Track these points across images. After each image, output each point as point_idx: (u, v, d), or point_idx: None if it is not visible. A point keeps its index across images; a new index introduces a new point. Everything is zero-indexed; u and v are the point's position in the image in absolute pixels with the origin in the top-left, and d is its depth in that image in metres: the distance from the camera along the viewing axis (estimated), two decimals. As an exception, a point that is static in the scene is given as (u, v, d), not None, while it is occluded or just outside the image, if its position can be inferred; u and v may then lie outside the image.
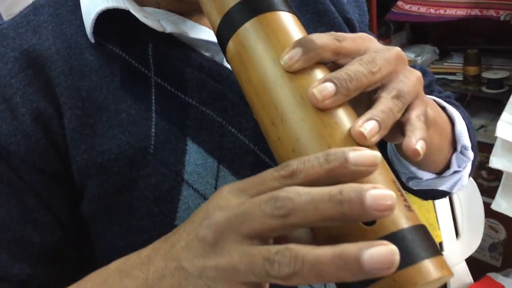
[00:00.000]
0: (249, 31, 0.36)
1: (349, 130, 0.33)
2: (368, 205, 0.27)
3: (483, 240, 1.79)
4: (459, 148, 0.55)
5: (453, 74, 1.83)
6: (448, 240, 1.50)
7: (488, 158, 1.48)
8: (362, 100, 0.39)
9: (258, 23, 0.36)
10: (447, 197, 1.49)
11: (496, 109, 1.55)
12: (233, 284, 0.29)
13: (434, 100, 0.55)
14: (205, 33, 0.49)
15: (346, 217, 0.28)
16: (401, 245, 0.29)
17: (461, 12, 1.66)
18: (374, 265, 0.26)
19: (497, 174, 1.60)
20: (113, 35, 0.48)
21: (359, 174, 0.30)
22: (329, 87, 0.33)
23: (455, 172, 0.56)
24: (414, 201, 1.50)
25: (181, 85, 0.48)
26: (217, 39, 0.39)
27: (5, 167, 0.46)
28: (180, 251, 0.32)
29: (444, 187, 0.56)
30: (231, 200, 0.31)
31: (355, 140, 0.33)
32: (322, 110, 0.33)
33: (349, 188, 0.28)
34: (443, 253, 1.50)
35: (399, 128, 0.38)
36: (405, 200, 0.32)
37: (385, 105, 0.34)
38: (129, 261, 0.36)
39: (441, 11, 1.72)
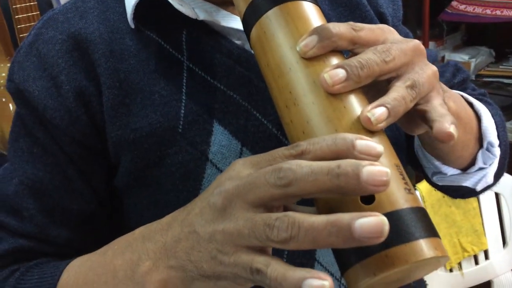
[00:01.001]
0: (271, 19, 0.38)
1: (358, 116, 0.34)
2: (364, 179, 0.29)
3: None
4: (485, 145, 0.54)
5: (509, 77, 1.76)
6: (495, 248, 1.45)
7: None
8: (381, 90, 0.40)
9: (280, 11, 0.38)
10: (495, 203, 1.44)
11: (553, 114, 1.48)
12: (238, 248, 0.32)
13: (461, 96, 0.54)
14: (237, 22, 0.52)
15: (342, 189, 0.29)
16: (397, 224, 0.30)
17: (518, 13, 1.60)
18: (364, 233, 0.28)
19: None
20: (151, 22, 0.52)
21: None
22: (340, 73, 0.34)
23: (480, 169, 0.55)
24: (459, 205, 1.46)
25: (211, 69, 0.50)
26: (243, 26, 0.41)
27: (50, 139, 0.51)
28: (194, 217, 0.34)
29: (468, 183, 0.55)
30: (242, 171, 0.33)
31: (363, 124, 0.34)
32: (333, 95, 0.34)
33: (346, 163, 0.30)
34: (488, 261, 1.46)
35: (419, 118, 0.39)
36: (406, 183, 0.33)
37: (397, 92, 0.35)
38: (152, 227, 0.39)
39: (498, 12, 1.66)
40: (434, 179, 0.58)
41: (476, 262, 1.46)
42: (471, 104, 0.54)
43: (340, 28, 0.36)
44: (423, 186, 1.42)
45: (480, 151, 0.54)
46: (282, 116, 0.37)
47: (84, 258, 0.46)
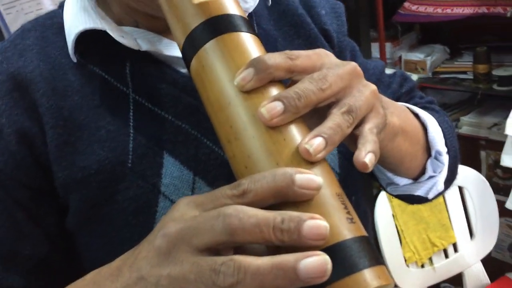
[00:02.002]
0: (208, 51, 0.38)
1: (297, 147, 0.34)
2: (304, 234, 0.30)
3: (502, 240, 1.76)
4: (433, 154, 0.56)
5: (464, 73, 1.81)
6: (462, 240, 1.49)
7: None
8: (323, 116, 0.41)
9: (217, 43, 0.38)
10: (459, 196, 1.48)
11: (509, 107, 1.54)
12: None
13: (408, 107, 0.56)
14: (179, 51, 0.52)
15: (285, 243, 0.31)
16: (340, 256, 0.31)
17: (468, 11, 1.65)
18: (309, 274, 0.29)
19: (512, 172, 1.58)
20: (93, 55, 0.51)
21: (302, 196, 0.32)
22: (277, 105, 0.34)
23: (431, 177, 0.57)
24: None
25: (158, 100, 0.50)
26: (183, 58, 0.41)
27: None
28: (140, 261, 0.34)
29: (419, 192, 0.57)
30: (185, 213, 0.33)
31: (303, 157, 0.34)
32: (273, 128, 0.34)
33: (288, 218, 0.31)
34: (458, 253, 1.49)
35: (354, 141, 0.39)
36: (348, 212, 0.33)
37: (333, 121, 0.35)
38: (102, 272, 0.38)
39: (448, 10, 1.71)
40: (388, 189, 0.59)
41: (446, 256, 1.49)
42: (417, 115, 0.56)
43: (276, 59, 0.36)
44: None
45: (429, 160, 0.56)
46: (225, 150, 0.37)
47: None
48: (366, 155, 0.36)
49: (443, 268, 1.50)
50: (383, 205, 1.44)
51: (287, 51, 0.38)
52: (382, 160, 0.52)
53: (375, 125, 0.39)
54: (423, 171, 0.57)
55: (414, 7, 1.79)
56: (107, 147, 0.48)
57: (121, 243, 0.46)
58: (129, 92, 0.50)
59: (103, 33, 0.50)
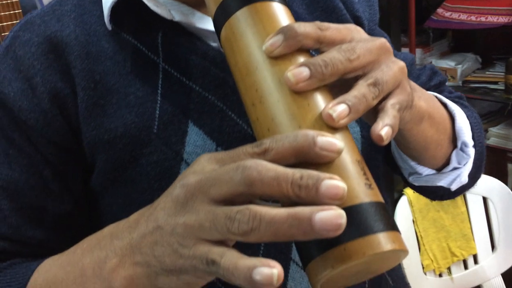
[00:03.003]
0: (239, 19, 0.39)
1: (321, 113, 0.35)
2: (321, 193, 0.30)
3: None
4: (459, 145, 0.55)
5: (495, 83, 1.78)
6: (484, 252, 1.45)
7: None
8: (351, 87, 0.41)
9: (248, 11, 0.39)
10: (483, 207, 1.45)
11: (539, 119, 1.50)
12: (198, 241, 0.32)
13: (436, 96, 0.55)
14: (211, 24, 0.52)
15: (301, 199, 0.31)
16: (356, 218, 0.31)
17: (503, 20, 1.62)
18: (323, 226, 0.29)
19: (539, 186, 1.54)
20: (128, 24, 0.52)
21: (323, 158, 0.32)
22: (304, 71, 0.35)
23: (455, 168, 0.56)
24: (448, 210, 1.47)
25: (186, 71, 0.51)
26: (214, 27, 0.42)
27: (25, 140, 0.51)
28: (158, 212, 0.35)
29: (442, 182, 0.56)
30: (206, 166, 0.34)
31: (325, 121, 0.34)
32: (298, 93, 0.35)
33: (308, 175, 0.31)
34: (478, 265, 1.46)
35: (376, 116, 0.39)
36: (367, 178, 0.33)
37: (358, 91, 0.36)
38: (120, 225, 0.39)
39: (482, 19, 1.68)
40: (410, 179, 0.58)
41: (466, 267, 1.46)
42: (445, 105, 0.55)
43: (306, 28, 0.37)
44: (411, 191, 1.42)
45: (454, 151, 0.55)
46: (249, 114, 0.38)
47: (55, 257, 0.47)
48: (382, 128, 0.36)
49: (462, 279, 1.47)
50: (404, 209, 1.42)
51: (317, 22, 0.38)
52: (407, 145, 0.51)
53: (399, 101, 0.38)
54: (447, 163, 0.56)
55: (447, 14, 1.77)
56: (135, 112, 0.50)
57: (141, 206, 0.47)
58: (159, 61, 0.51)
59: (138, 3, 0.51)
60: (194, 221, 0.32)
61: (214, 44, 0.53)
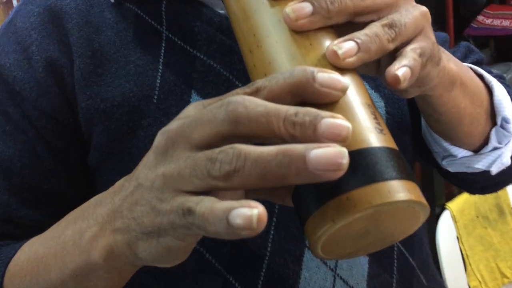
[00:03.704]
0: None
1: (324, 52, 0.30)
2: (321, 132, 0.25)
3: None
4: (499, 121, 0.48)
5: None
6: (538, 273, 1.33)
7: None
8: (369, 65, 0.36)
9: None
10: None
11: None
12: (178, 192, 0.27)
13: (470, 68, 0.49)
14: None
15: (296, 139, 0.26)
16: (362, 163, 0.26)
17: (549, 24, 1.53)
18: (320, 165, 0.24)
19: None
20: None
21: (325, 96, 0.27)
22: (306, 6, 0.31)
23: (495, 149, 0.49)
24: (496, 227, 1.36)
25: (191, 38, 0.48)
26: None
27: (20, 114, 0.49)
28: (140, 168, 0.31)
29: (480, 164, 0.49)
30: (191, 111, 0.30)
31: (329, 61, 0.30)
32: (299, 32, 0.31)
33: (304, 111, 0.26)
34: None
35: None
36: (378, 123, 0.28)
37: (370, 29, 0.31)
38: (106, 192, 0.36)
39: (527, 24, 1.59)
40: (444, 163, 0.52)
41: (518, 289, 1.34)
42: (481, 77, 0.49)
43: None
44: (455, 205, 1.33)
45: (494, 129, 0.48)
46: (246, 63, 0.34)
47: (41, 234, 0.42)
48: (399, 68, 0.31)
49: (514, 303, 1.34)
50: (447, 225, 1.32)
51: None
52: (438, 118, 0.45)
53: (421, 46, 0.33)
54: (485, 142, 0.49)
55: (488, 21, 1.69)
56: (134, 81, 0.47)
57: None
58: (162, 29, 0.49)
59: None
60: (173, 169, 0.28)
61: (222, 12, 0.50)
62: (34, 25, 0.49)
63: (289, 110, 0.26)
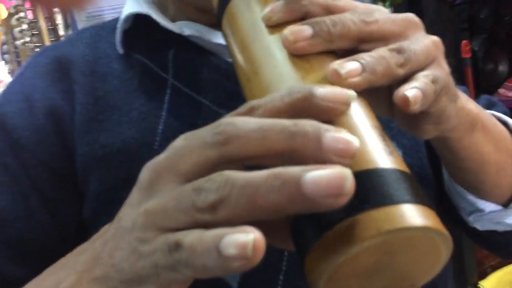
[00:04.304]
0: (240, 0, 0.35)
1: (326, 74, 0.28)
2: (326, 144, 0.22)
3: None
4: None
5: None
6: None
7: None
8: (381, 98, 0.34)
9: None
10: None
11: None
12: (162, 231, 0.24)
13: (493, 115, 0.46)
14: None
15: (297, 154, 0.23)
16: (368, 185, 0.22)
17: None
18: (317, 190, 0.21)
19: None
20: (140, 46, 0.51)
21: (327, 112, 0.24)
22: (305, 29, 0.29)
23: None
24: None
25: (197, 85, 0.47)
26: (217, 21, 0.37)
27: (16, 163, 0.47)
28: (123, 209, 0.28)
29: (511, 219, 0.44)
30: (179, 141, 0.27)
31: (331, 80, 0.27)
32: (299, 56, 0.29)
33: (306, 122, 0.23)
34: None
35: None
36: (387, 145, 0.24)
37: (376, 52, 0.29)
38: (91, 239, 0.32)
39: (551, 95, 1.56)
40: (471, 219, 0.47)
41: None
42: (505, 124, 0.46)
43: None
44: (489, 284, 1.23)
45: None
46: (245, 94, 0.31)
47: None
48: (408, 90, 0.29)
49: None
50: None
51: None
52: (459, 165, 0.41)
53: (434, 74, 0.31)
54: None
55: (510, 93, 1.66)
56: (136, 127, 0.46)
57: None
58: (168, 77, 0.48)
59: (152, 24, 0.49)
60: (156, 205, 0.24)
61: (230, 60, 0.48)
62: (41, 75, 0.50)
63: (286, 121, 0.23)
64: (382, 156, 0.23)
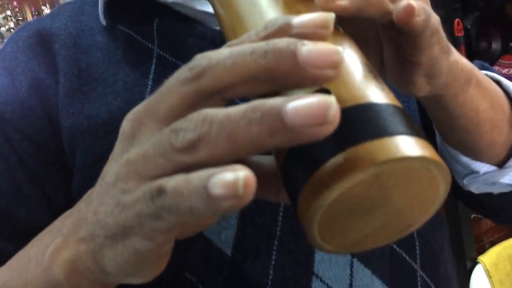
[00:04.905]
0: None
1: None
2: (302, 58, 0.21)
3: None
4: None
5: None
6: None
7: None
8: (370, 49, 0.34)
9: None
10: None
11: None
12: (144, 179, 0.23)
13: (486, 74, 0.46)
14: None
15: (273, 73, 0.21)
16: (359, 119, 0.21)
17: None
18: (299, 118, 0.19)
19: None
20: (123, 17, 0.50)
21: (304, 36, 0.23)
22: None
23: None
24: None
25: (182, 53, 0.46)
26: None
27: (1, 138, 0.46)
28: (107, 165, 0.27)
29: (507, 179, 0.44)
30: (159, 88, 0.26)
31: (318, 4, 0.26)
32: (286, 2, 0.27)
33: (279, 39, 0.22)
34: None
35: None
36: (379, 82, 0.24)
37: None
38: (79, 201, 0.31)
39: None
40: (466, 182, 0.47)
41: None
42: (498, 83, 0.45)
43: None
44: (488, 258, 1.24)
45: None
46: (222, 29, 0.30)
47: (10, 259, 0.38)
48: (411, 1, 0.28)
49: None
50: (480, 281, 1.22)
51: None
52: (453, 124, 0.41)
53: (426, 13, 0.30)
54: (510, 154, 0.44)
55: (504, 70, 1.66)
56: (121, 97, 0.45)
57: None
58: (153, 47, 0.47)
59: None
60: (137, 153, 0.23)
61: (216, 28, 0.48)
62: (21, 49, 0.49)
63: (259, 43, 0.22)
64: (374, 91, 0.23)
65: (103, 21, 0.49)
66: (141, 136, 0.24)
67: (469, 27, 1.68)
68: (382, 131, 0.20)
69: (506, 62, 1.70)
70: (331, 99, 0.19)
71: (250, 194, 0.20)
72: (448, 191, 0.23)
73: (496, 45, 1.76)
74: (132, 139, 0.25)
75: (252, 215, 0.41)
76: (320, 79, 0.21)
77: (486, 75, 0.45)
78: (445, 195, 0.22)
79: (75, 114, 0.45)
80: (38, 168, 0.46)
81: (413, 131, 0.21)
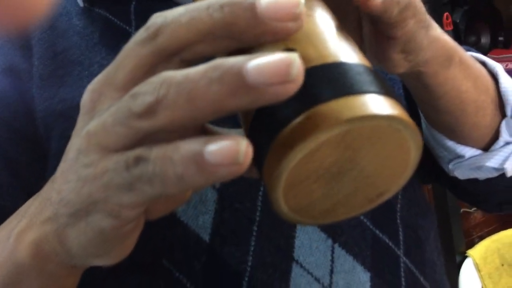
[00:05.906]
0: None
1: None
2: (262, 10, 0.20)
3: None
4: (509, 112, 0.43)
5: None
6: None
7: None
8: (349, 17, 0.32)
9: None
10: None
11: None
12: (106, 152, 0.22)
13: (471, 55, 0.44)
14: None
15: (231, 28, 0.20)
16: (327, 77, 0.20)
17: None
18: (261, 76, 0.18)
19: None
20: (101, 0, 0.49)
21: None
22: None
23: (507, 144, 0.43)
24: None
25: None
26: None
27: None
28: (70, 142, 0.25)
29: (491, 162, 0.43)
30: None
31: None
32: None
33: None
34: None
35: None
36: (351, 43, 0.23)
37: None
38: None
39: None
40: (451, 167, 0.45)
41: None
42: (483, 64, 0.44)
43: None
44: (477, 252, 1.23)
45: (504, 121, 0.43)
46: None
47: None
48: None
49: None
50: (470, 275, 1.22)
51: None
52: (436, 105, 0.40)
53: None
54: (496, 137, 0.43)
55: (493, 65, 1.66)
56: None
57: None
58: (131, 30, 0.46)
59: None
60: (97, 124, 0.22)
61: None
62: None
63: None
64: (343, 51, 0.21)
65: (80, 4, 0.48)
66: (101, 107, 0.23)
67: (458, 21, 1.68)
68: (348, 89, 0.19)
69: (495, 56, 1.70)
70: (293, 56, 0.18)
71: (248, 162, 0.19)
72: (420, 157, 0.21)
73: (485, 39, 1.77)
74: (93, 111, 0.23)
75: (231, 199, 0.39)
76: (280, 33, 0.20)
77: (471, 56, 0.44)
78: (416, 160, 0.21)
79: (49, 98, 0.43)
80: (13, 154, 0.44)
81: (382, 90, 0.20)
